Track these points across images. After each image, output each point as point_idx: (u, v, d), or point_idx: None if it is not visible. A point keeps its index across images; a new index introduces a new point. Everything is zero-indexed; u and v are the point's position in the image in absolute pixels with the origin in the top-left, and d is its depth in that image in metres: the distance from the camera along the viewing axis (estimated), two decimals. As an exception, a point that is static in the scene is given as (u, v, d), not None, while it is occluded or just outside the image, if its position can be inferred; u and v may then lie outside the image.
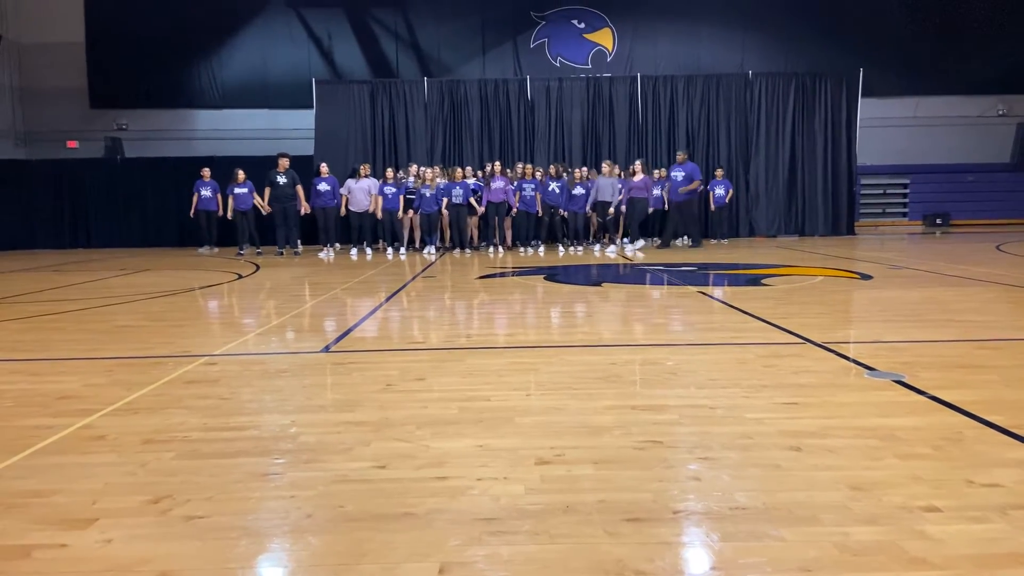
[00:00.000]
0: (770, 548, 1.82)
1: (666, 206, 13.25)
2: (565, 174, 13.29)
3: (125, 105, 17.32)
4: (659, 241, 13.16)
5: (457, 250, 12.52)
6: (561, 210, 12.95)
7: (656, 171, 14.06)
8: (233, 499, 2.17)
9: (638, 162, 13.02)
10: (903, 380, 3.39)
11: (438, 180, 12.65)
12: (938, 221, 17.85)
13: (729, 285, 7.48)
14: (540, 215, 12.83)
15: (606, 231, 13.41)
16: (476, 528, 1.94)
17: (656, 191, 13.31)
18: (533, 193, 12.64)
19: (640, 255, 11.41)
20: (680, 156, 12.91)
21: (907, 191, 18.38)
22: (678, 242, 13.30)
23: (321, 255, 12.07)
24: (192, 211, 13.62)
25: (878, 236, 15.78)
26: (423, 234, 12.73)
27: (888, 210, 18.50)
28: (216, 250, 13.69)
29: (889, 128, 17.37)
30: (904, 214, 18.48)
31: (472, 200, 12.49)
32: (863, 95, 15.78)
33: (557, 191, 12.81)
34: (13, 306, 6.57)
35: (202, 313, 6.35)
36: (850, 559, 1.76)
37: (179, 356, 4.23)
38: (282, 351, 4.43)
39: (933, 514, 1.99)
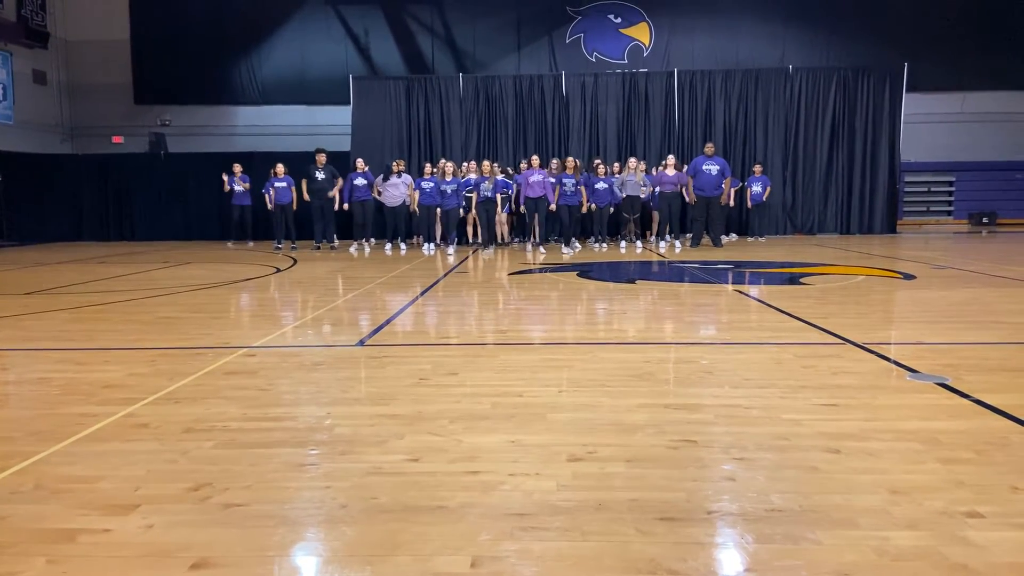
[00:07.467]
0: (806, 551, 1.79)
1: (689, 199, 12.89)
2: (586, 170, 13.11)
3: (168, 101, 17.73)
4: (690, 239, 12.89)
5: (488, 247, 12.44)
6: (589, 205, 12.84)
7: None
8: (270, 488, 2.21)
9: (671, 156, 12.83)
10: (946, 383, 3.30)
11: (471, 175, 12.64)
12: (984, 220, 17.36)
13: (766, 283, 7.37)
14: (584, 210, 12.61)
15: (630, 228, 13.27)
16: (508, 523, 1.95)
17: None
18: (575, 188, 12.41)
19: (677, 249, 11.31)
20: (710, 148, 12.50)
21: (952, 189, 17.92)
22: (677, 242, 12.56)
23: (352, 250, 12.18)
24: (226, 188, 13.99)
25: (922, 235, 15.39)
26: (444, 230, 12.69)
27: (932, 208, 18.06)
28: (251, 244, 13.92)
29: (934, 124, 16.94)
30: (949, 212, 18.03)
31: (499, 197, 12.36)
32: (907, 90, 15.41)
33: (571, 188, 12.52)
34: (61, 296, 6.76)
35: (241, 306, 6.46)
36: (888, 564, 1.73)
37: (219, 347, 4.31)
38: (318, 344, 4.49)
39: (976, 520, 1.94)
